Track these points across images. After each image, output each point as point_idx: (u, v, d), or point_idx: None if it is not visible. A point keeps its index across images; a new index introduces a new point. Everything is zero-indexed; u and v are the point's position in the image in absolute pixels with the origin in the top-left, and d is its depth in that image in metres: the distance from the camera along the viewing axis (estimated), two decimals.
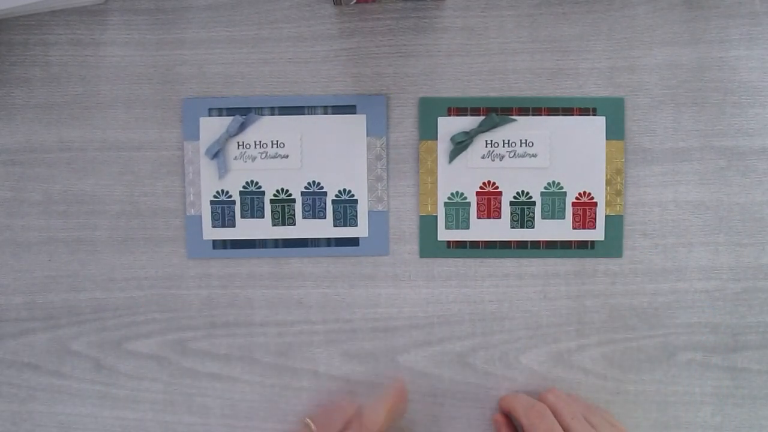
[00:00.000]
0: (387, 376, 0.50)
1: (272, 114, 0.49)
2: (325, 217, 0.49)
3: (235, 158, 0.49)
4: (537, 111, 0.49)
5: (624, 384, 0.49)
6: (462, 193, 0.49)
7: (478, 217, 0.49)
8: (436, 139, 0.49)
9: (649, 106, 0.49)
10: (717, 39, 0.49)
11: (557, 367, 0.49)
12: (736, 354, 0.49)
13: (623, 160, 0.49)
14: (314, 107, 0.49)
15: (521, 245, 0.49)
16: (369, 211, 0.50)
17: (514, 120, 0.49)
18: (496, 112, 0.49)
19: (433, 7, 0.49)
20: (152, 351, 0.50)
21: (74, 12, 0.49)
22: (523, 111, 0.49)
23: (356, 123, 0.49)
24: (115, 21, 0.49)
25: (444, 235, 0.49)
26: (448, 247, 0.49)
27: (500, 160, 0.49)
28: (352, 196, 0.49)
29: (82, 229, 0.50)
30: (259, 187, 0.49)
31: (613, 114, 0.49)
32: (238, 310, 0.50)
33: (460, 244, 0.49)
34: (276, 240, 0.50)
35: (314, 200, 0.49)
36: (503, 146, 0.49)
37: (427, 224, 0.49)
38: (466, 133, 0.49)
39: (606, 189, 0.49)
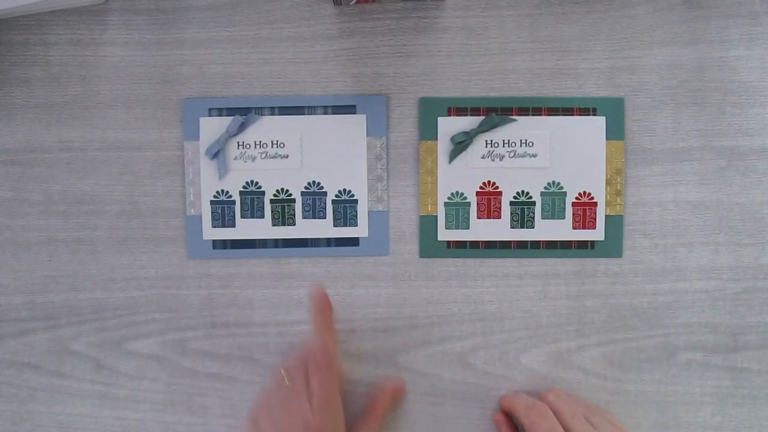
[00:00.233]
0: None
1: (272, 114, 0.49)
2: (325, 217, 0.49)
3: (235, 158, 0.49)
4: (537, 111, 0.49)
5: (624, 384, 0.49)
6: (462, 193, 0.49)
7: (478, 217, 0.49)
8: (436, 139, 0.49)
9: (649, 106, 0.49)
10: (717, 39, 0.49)
11: (557, 367, 0.49)
12: (736, 354, 0.49)
13: (623, 160, 0.49)
14: (314, 107, 0.49)
15: (521, 245, 0.49)
16: (369, 211, 0.50)
17: (514, 120, 0.49)
18: (496, 112, 0.49)
19: (433, 7, 0.49)
20: (152, 351, 0.50)
21: (74, 12, 0.49)
22: (523, 111, 0.49)
23: (356, 123, 0.49)
24: (115, 21, 0.49)
25: (444, 235, 0.49)
26: (448, 247, 0.49)
27: (500, 160, 0.49)
28: (352, 196, 0.49)
29: (82, 229, 0.50)
30: (259, 187, 0.49)
31: (613, 114, 0.49)
32: (238, 310, 0.50)
33: (460, 244, 0.49)
34: (276, 240, 0.50)
35: (314, 200, 0.49)
36: (503, 146, 0.49)
37: (427, 224, 0.49)
38: (466, 133, 0.49)
39: (606, 189, 0.49)
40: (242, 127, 0.49)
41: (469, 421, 0.50)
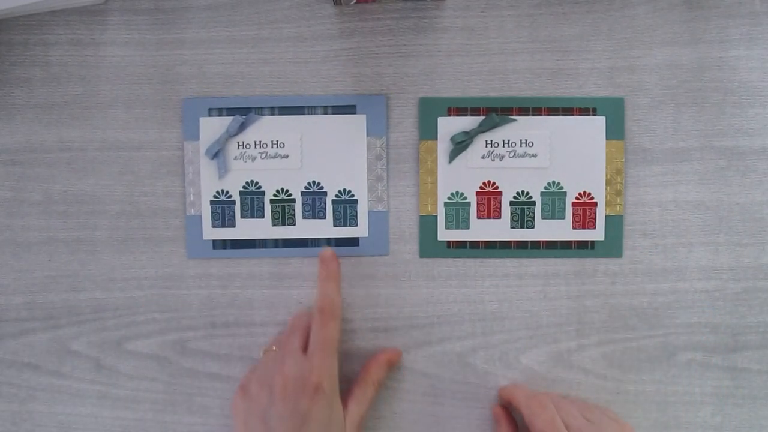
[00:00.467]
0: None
1: (272, 114, 0.49)
2: (325, 217, 0.49)
3: (235, 158, 0.49)
4: (537, 111, 0.49)
5: (624, 384, 0.49)
6: (462, 193, 0.49)
7: (478, 217, 0.49)
8: (436, 139, 0.49)
9: (649, 106, 0.49)
10: (717, 39, 0.49)
11: (557, 367, 0.49)
12: (736, 354, 0.49)
13: (623, 160, 0.49)
14: (314, 107, 0.49)
15: (521, 245, 0.49)
16: (369, 211, 0.50)
17: (514, 120, 0.49)
18: (496, 112, 0.49)
19: (433, 7, 0.49)
20: (152, 351, 0.50)
21: (74, 12, 0.49)
22: (523, 111, 0.49)
23: (356, 123, 0.49)
24: (115, 21, 0.49)
25: (444, 235, 0.49)
26: (448, 247, 0.49)
27: (500, 160, 0.49)
28: (352, 196, 0.49)
29: (82, 229, 0.50)
30: (259, 187, 0.49)
31: (613, 114, 0.49)
32: (238, 310, 0.50)
33: (460, 244, 0.49)
34: (276, 240, 0.50)
35: (314, 200, 0.49)
36: (503, 146, 0.49)
37: (427, 224, 0.49)
38: (466, 133, 0.49)
39: (606, 189, 0.49)
40: (242, 127, 0.49)
41: (469, 421, 0.50)
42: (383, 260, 0.50)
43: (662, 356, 0.49)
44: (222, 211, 0.49)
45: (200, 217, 0.49)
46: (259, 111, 0.49)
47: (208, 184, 0.49)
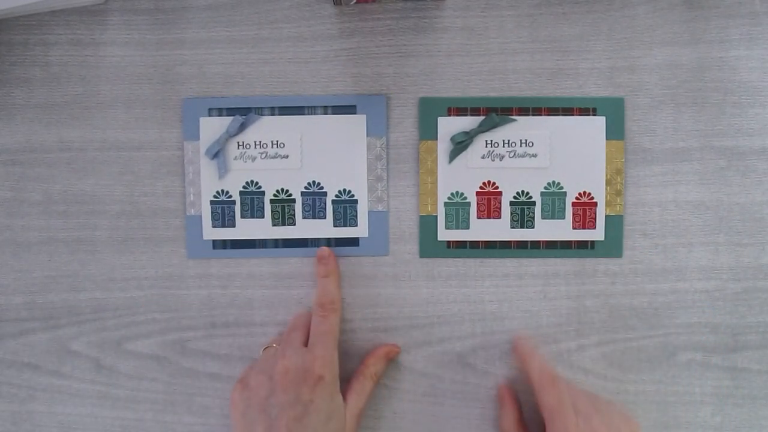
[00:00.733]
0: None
1: (272, 114, 0.49)
2: (325, 217, 0.49)
3: (235, 158, 0.49)
4: (537, 111, 0.49)
5: (624, 384, 0.49)
6: (462, 193, 0.49)
7: (478, 217, 0.49)
8: (436, 139, 0.49)
9: (649, 106, 0.49)
10: (717, 39, 0.49)
11: (557, 367, 0.49)
12: (736, 354, 0.49)
13: (623, 160, 0.49)
14: (314, 107, 0.49)
15: (521, 245, 0.49)
16: (369, 211, 0.50)
17: (514, 120, 0.49)
18: (496, 112, 0.49)
19: (433, 7, 0.49)
20: (152, 351, 0.50)
21: (74, 12, 0.49)
22: (523, 111, 0.49)
23: (356, 123, 0.49)
24: (115, 21, 0.49)
25: (444, 235, 0.49)
26: (448, 247, 0.49)
27: (500, 160, 0.49)
28: (352, 196, 0.49)
29: (82, 229, 0.50)
30: (259, 187, 0.49)
31: (613, 114, 0.49)
32: (238, 310, 0.50)
33: (460, 244, 0.49)
34: (276, 240, 0.50)
35: (314, 200, 0.49)
36: (503, 146, 0.49)
37: (427, 224, 0.49)
38: (466, 133, 0.49)
39: (606, 189, 0.49)
40: (242, 127, 0.49)
41: (469, 421, 0.50)
42: (383, 260, 0.50)
43: (662, 356, 0.49)
44: (222, 211, 0.49)
45: (200, 217, 0.49)
46: (259, 111, 0.49)
47: (208, 184, 0.49)
